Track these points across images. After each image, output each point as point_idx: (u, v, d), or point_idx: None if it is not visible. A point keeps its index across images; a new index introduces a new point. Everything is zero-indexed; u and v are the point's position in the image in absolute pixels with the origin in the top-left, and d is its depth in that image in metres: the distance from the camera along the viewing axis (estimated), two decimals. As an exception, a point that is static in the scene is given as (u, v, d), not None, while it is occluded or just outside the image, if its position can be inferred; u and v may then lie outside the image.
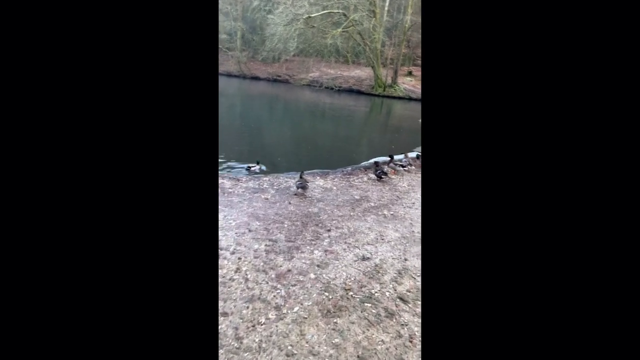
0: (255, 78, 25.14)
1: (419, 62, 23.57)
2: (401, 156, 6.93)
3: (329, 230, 3.91)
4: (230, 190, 4.94)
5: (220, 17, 25.50)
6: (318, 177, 5.77)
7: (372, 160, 6.97)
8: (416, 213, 4.60)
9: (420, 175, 6.25)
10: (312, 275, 3.02)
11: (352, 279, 3.01)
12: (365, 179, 5.95)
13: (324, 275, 3.03)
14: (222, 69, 25.55)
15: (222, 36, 25.73)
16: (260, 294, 2.73)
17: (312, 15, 19.12)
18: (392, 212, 4.58)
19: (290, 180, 5.47)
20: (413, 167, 6.64)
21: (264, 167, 6.54)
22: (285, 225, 3.95)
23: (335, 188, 5.37)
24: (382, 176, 5.78)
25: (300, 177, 5.06)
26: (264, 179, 5.57)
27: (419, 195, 5.30)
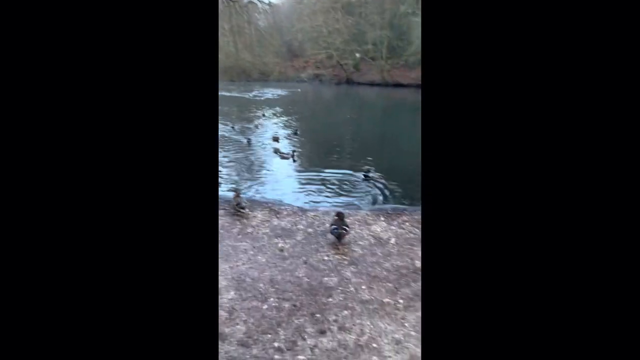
0: (398, 85, 24.08)
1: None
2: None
3: (322, 333, 2.27)
4: (250, 230, 3.85)
5: (367, 28, 25.88)
6: (381, 219, 3.99)
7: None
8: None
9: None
10: None
11: None
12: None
13: None
14: (365, 78, 25.99)
15: (368, 46, 26.34)
16: None
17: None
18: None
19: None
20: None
21: (370, 173, 5.85)
22: (265, 307, 2.53)
23: (394, 240, 3.51)
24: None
25: (339, 219, 3.46)
26: (310, 213, 4.24)
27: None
